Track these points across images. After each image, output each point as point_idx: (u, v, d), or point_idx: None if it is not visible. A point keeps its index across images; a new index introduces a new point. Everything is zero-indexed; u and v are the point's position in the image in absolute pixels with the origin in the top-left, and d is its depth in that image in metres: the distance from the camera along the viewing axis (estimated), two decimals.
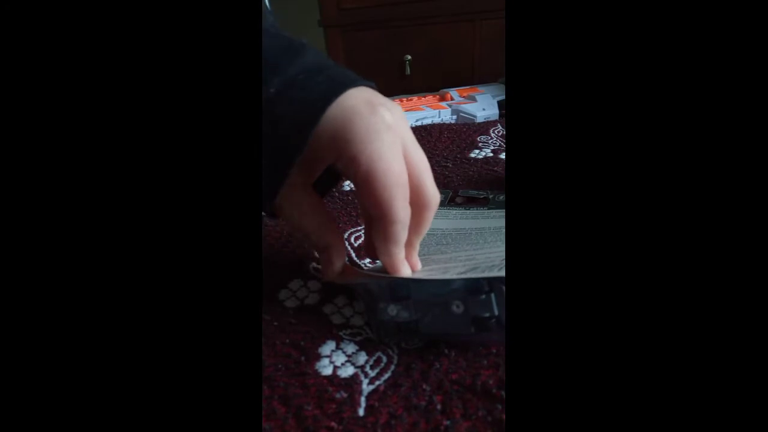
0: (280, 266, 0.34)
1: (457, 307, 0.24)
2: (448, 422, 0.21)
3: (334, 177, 0.31)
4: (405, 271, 0.28)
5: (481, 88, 0.91)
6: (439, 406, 0.22)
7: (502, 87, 0.94)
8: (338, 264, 0.29)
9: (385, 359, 0.26)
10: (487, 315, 0.23)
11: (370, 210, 0.26)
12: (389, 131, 0.25)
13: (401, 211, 0.26)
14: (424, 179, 0.27)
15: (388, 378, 0.24)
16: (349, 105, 0.25)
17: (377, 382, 0.24)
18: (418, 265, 0.29)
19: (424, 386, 0.23)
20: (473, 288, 0.24)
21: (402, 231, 0.26)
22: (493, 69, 1.32)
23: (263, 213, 0.28)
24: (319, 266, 0.34)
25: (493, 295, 0.23)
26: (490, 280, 0.23)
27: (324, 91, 0.25)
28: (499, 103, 0.82)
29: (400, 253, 0.27)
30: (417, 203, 0.27)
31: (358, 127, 0.24)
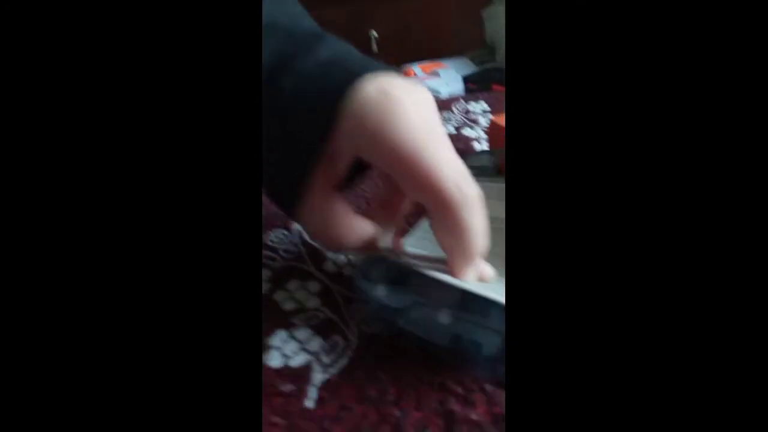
0: None
1: (444, 317, 0.21)
2: (399, 413, 0.20)
3: (355, 171, 0.28)
4: (480, 275, 0.24)
5: (445, 63, 0.89)
6: (392, 397, 0.21)
7: (468, 62, 0.93)
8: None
9: (342, 344, 0.25)
10: (472, 339, 0.21)
11: (418, 199, 0.23)
12: (407, 109, 0.22)
13: (456, 184, 0.22)
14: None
15: (345, 365, 0.23)
16: (365, 96, 0.22)
17: (331, 370, 0.23)
18: (491, 273, 0.24)
19: (380, 374, 0.22)
20: (470, 305, 0.21)
21: (465, 212, 0.22)
22: (462, 43, 1.30)
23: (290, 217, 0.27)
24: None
25: (488, 321, 0.20)
26: (492, 305, 0.20)
27: (339, 85, 0.23)
28: (464, 78, 0.81)
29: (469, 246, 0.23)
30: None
31: (369, 116, 0.22)
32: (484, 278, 0.24)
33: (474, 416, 0.20)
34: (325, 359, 0.24)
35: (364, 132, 0.22)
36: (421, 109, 0.23)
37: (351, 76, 0.23)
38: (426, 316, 0.22)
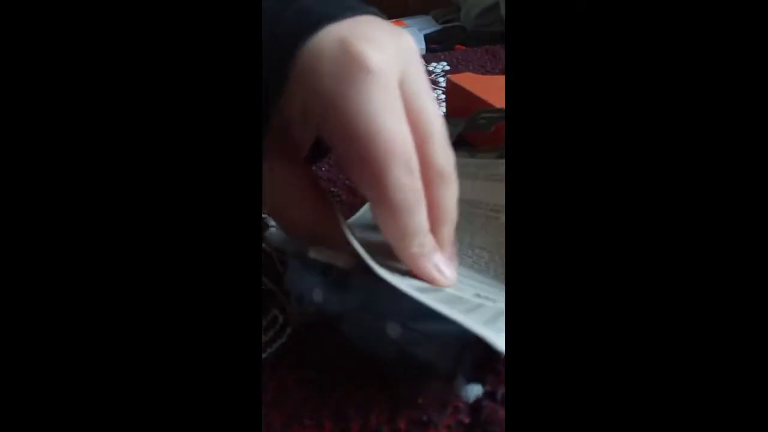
0: None
1: (392, 330, 0.18)
2: (338, 395, 0.19)
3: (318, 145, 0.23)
4: (435, 276, 0.19)
5: (407, 22, 0.86)
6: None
7: (430, 20, 0.89)
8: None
9: (281, 319, 0.23)
10: (422, 356, 0.17)
11: (359, 188, 0.19)
12: (369, 77, 0.17)
13: (400, 188, 0.18)
14: (430, 142, 0.19)
15: (283, 343, 0.22)
16: (317, 48, 0.18)
17: (269, 350, 0.21)
18: (450, 273, 0.20)
19: (320, 352, 0.21)
20: (421, 315, 0.17)
21: (410, 217, 0.19)
22: (428, 1, 1.26)
23: None
24: None
25: (441, 334, 0.17)
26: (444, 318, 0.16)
27: (291, 32, 0.18)
28: (426, 36, 0.78)
29: (418, 247, 0.19)
30: (424, 176, 0.19)
31: (323, 76, 0.18)
32: (437, 278, 0.20)
33: (420, 400, 0.18)
34: (263, 338, 0.22)
35: (316, 98, 0.18)
36: (389, 71, 0.18)
37: (307, 21, 0.18)
38: (371, 326, 0.18)
